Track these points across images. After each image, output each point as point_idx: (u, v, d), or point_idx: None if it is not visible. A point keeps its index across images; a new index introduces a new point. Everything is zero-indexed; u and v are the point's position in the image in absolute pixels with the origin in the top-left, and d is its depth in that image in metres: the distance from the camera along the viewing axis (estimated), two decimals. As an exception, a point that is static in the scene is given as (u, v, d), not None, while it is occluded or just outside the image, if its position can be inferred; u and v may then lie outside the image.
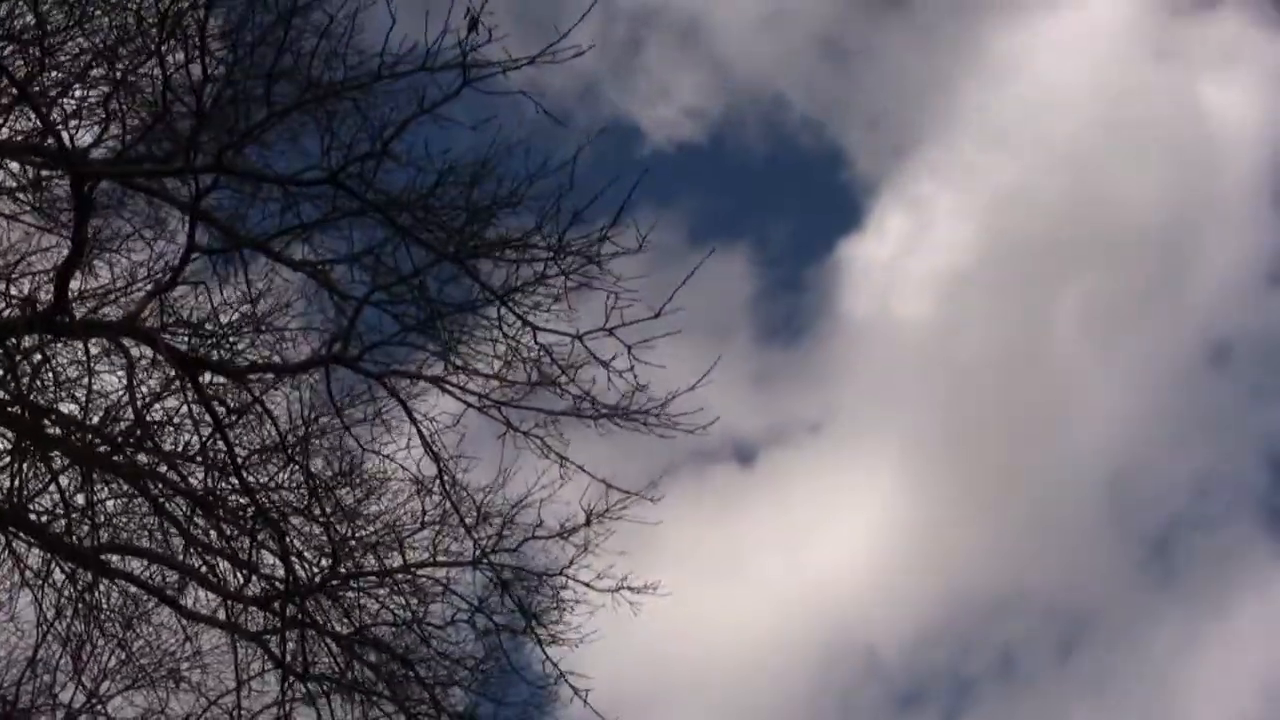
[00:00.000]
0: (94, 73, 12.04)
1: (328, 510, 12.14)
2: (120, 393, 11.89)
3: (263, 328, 11.58)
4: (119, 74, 11.72)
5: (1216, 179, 37.43)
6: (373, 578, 13.00)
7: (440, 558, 13.13)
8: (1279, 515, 34.31)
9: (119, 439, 12.10)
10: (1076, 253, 37.61)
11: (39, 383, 11.74)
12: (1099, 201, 37.30)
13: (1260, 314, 35.53)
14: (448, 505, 12.55)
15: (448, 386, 11.37)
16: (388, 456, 11.97)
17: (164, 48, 10.19)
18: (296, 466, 11.81)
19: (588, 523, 12.90)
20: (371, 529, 12.82)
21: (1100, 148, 37.79)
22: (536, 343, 10.67)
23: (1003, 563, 33.57)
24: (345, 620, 12.77)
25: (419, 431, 11.43)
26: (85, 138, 12.15)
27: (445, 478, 11.64)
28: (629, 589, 13.00)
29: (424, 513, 12.58)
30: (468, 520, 12.31)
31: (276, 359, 11.64)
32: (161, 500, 12.01)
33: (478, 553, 12.97)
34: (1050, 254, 37.37)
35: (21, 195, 12.79)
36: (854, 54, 39.00)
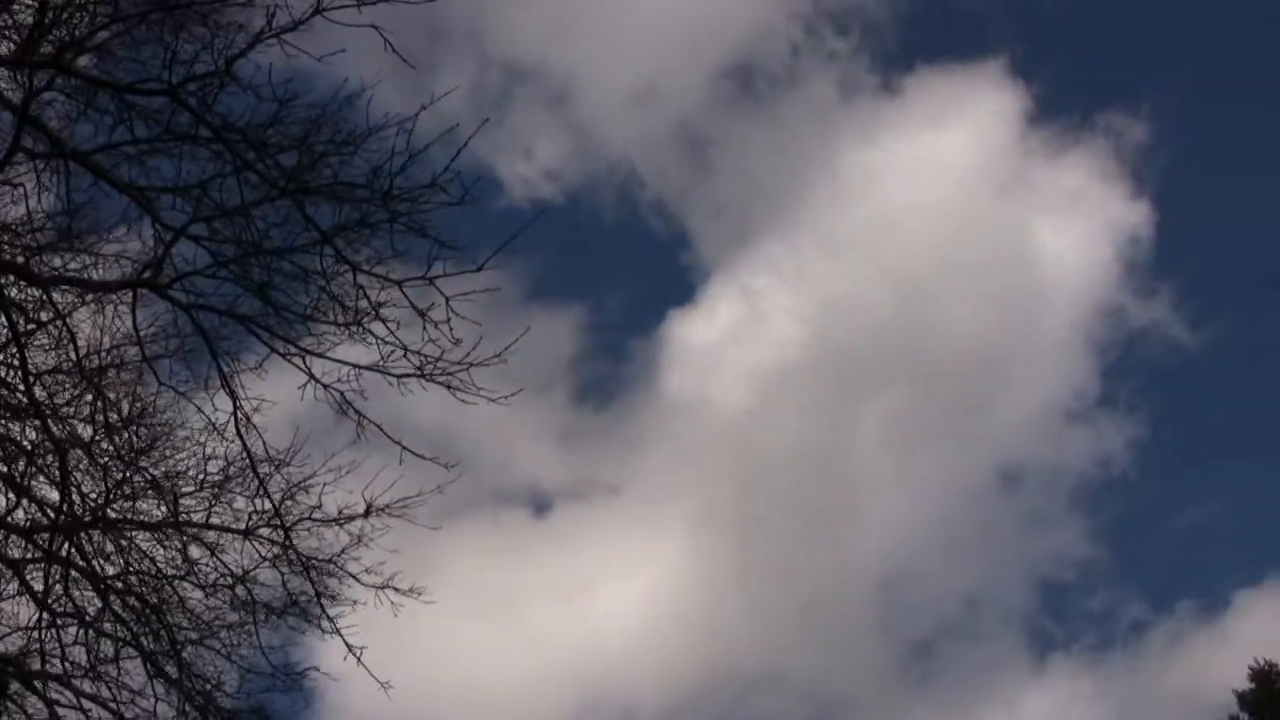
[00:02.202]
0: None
1: (116, 445, 11.90)
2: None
3: (77, 245, 11.37)
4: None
5: (1034, 317, 39.68)
6: (143, 527, 12.77)
7: (215, 519, 12.98)
8: (1039, 636, 36.15)
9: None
10: (892, 367, 39.49)
11: None
12: (921, 322, 39.22)
13: (1054, 449, 37.69)
14: (237, 466, 12.48)
15: (255, 328, 11.31)
16: (183, 394, 11.79)
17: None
18: (91, 394, 11.58)
19: (366, 514, 12.94)
20: (155, 473, 12.61)
21: (931, 272, 39.79)
22: (355, 283, 10.71)
23: (769, 643, 34.57)
24: (109, 563, 12.51)
25: (219, 369, 11.32)
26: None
27: (240, 419, 11.49)
28: (395, 589, 13.06)
29: (205, 471, 12.48)
30: (262, 471, 12.20)
31: (85, 275, 11.41)
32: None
33: (251, 522, 12.88)
34: (867, 365, 39.13)
35: None
36: (711, 143, 40.64)
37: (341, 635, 12.43)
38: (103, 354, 11.99)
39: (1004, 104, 39.31)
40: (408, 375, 11.29)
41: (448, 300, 10.59)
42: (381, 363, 11.26)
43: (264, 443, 11.81)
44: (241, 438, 11.68)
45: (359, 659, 12.33)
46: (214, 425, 11.91)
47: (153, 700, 12.79)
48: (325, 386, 11.47)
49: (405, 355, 10.93)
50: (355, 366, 11.36)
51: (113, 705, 12.62)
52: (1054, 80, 41.80)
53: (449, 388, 11.32)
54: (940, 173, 40.18)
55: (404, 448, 11.72)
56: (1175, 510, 38.76)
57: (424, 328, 10.67)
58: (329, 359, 11.37)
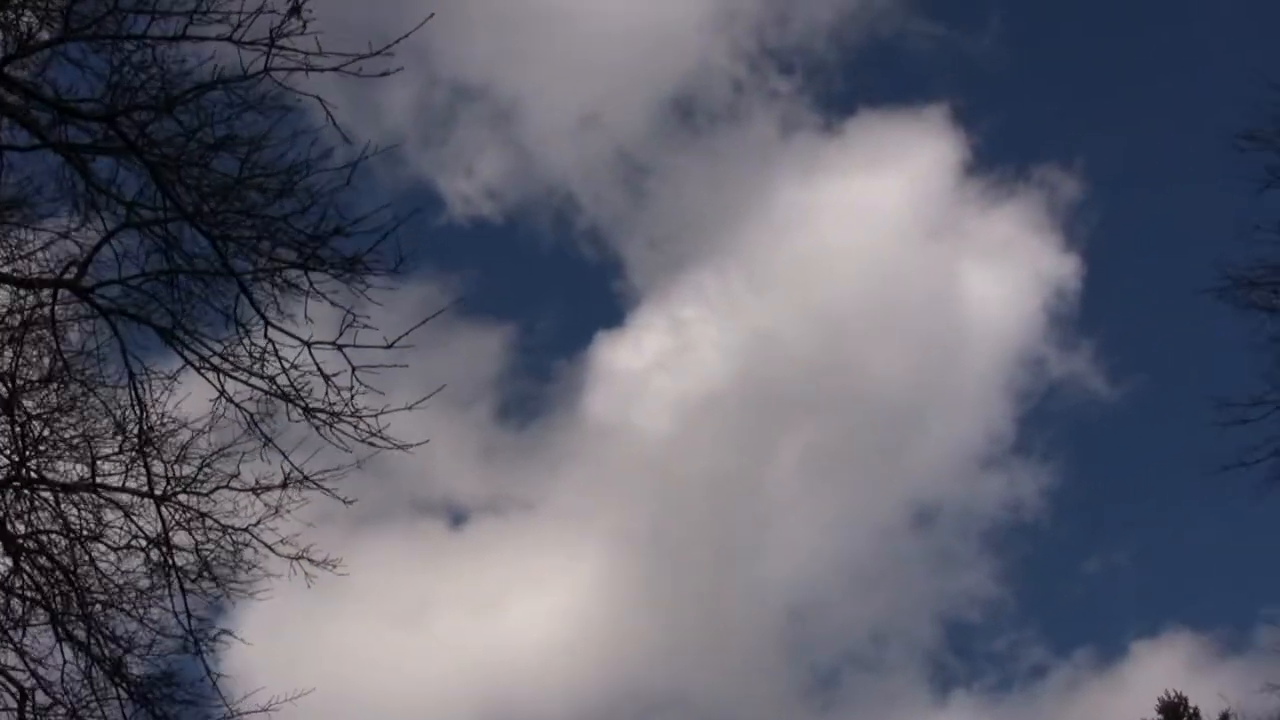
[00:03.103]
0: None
1: (34, 404, 11.99)
2: None
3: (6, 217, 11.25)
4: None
5: (957, 362, 39.74)
6: (60, 487, 12.87)
7: (131, 483, 13.07)
8: (942, 672, 36.87)
9: None
10: (814, 403, 39.76)
11: None
12: (845, 361, 39.36)
13: (967, 491, 38.02)
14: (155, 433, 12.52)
15: (172, 339, 11.25)
16: (91, 390, 11.79)
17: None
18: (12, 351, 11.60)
19: (284, 485, 13.01)
20: (69, 435, 12.69)
21: (859, 312, 39.80)
22: (266, 336, 10.63)
23: (675, 665, 35.20)
24: (21, 523, 12.65)
25: (130, 375, 11.32)
26: None
27: (145, 428, 11.52)
28: (310, 560, 13.20)
29: (124, 434, 12.51)
30: (166, 456, 12.28)
31: (10, 270, 11.35)
32: None
33: (168, 488, 12.97)
34: (789, 399, 39.42)
35: None
36: (650, 173, 40.27)
37: (228, 631, 12.68)
38: (25, 312, 11.96)
39: (942, 151, 38.97)
40: (319, 410, 11.29)
41: (354, 369, 10.53)
42: (296, 397, 11.26)
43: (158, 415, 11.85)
44: (141, 432, 11.71)
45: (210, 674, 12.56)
46: (120, 423, 11.91)
47: (60, 665, 12.99)
48: (237, 406, 11.50)
49: (305, 407, 10.88)
50: (266, 393, 11.35)
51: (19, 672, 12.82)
52: (993, 131, 41.39)
53: (355, 431, 11.33)
54: (875, 215, 40.13)
55: (306, 477, 11.86)
56: (1081, 559, 39.48)
57: (326, 391, 10.61)
58: (239, 380, 11.36)
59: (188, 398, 12.22)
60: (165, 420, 11.76)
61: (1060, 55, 43.22)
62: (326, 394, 10.73)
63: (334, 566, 13.26)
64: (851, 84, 42.16)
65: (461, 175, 38.14)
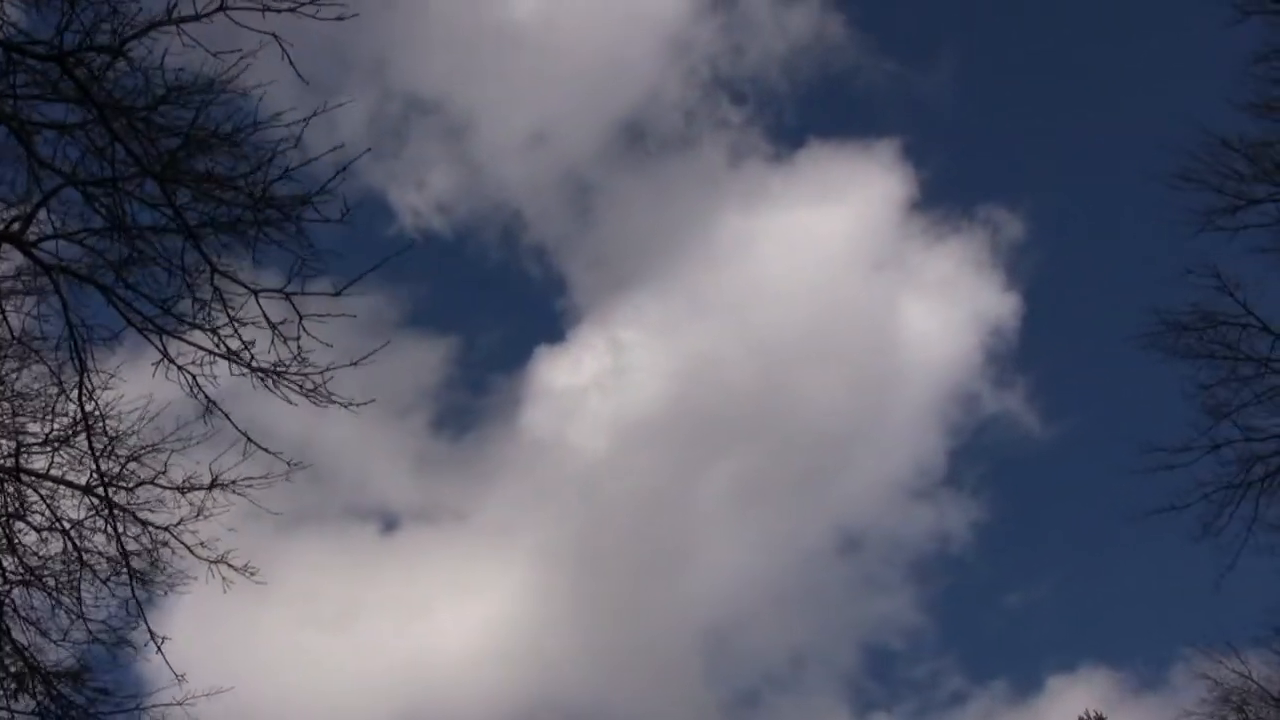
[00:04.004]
0: None
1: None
2: None
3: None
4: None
5: (892, 394, 40.48)
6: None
7: (55, 471, 12.89)
8: (862, 696, 37.08)
9: None
10: (747, 429, 40.38)
11: None
12: (781, 388, 40.05)
13: (894, 520, 38.55)
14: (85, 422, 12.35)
15: (114, 299, 11.18)
16: (35, 350, 11.65)
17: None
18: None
19: (210, 486, 12.91)
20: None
21: (797, 340, 40.60)
22: (213, 284, 10.59)
23: (596, 679, 35.28)
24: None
25: (71, 332, 11.18)
26: None
27: (86, 389, 11.38)
28: (230, 565, 13.09)
29: (53, 423, 12.37)
30: (96, 444, 12.12)
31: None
32: None
33: (91, 480, 12.79)
34: (723, 424, 40.05)
35: None
36: (597, 194, 41.29)
37: (147, 623, 12.44)
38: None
39: (890, 186, 40.05)
40: (262, 371, 11.22)
41: (300, 319, 10.50)
42: (241, 352, 11.19)
43: (101, 412, 11.69)
44: (81, 401, 11.57)
45: (158, 647, 12.34)
46: (61, 385, 11.77)
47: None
48: (180, 368, 11.40)
49: (251, 361, 10.81)
50: (211, 353, 11.27)
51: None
52: (940, 169, 42.50)
53: (301, 389, 11.27)
54: (818, 246, 41.18)
55: (249, 439, 11.73)
56: (1004, 592, 39.99)
57: (273, 341, 10.56)
58: (185, 341, 11.28)
59: (127, 385, 12.21)
60: (105, 404, 11.61)
61: (1010, 97, 44.43)
62: (273, 346, 10.65)
63: (253, 574, 13.20)
64: (802, 116, 43.11)
65: (413, 188, 38.54)
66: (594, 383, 39.84)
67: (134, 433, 12.28)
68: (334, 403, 11.32)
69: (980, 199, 44.53)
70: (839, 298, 41.28)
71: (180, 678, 12.64)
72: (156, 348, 11.28)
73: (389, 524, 38.53)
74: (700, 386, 40.59)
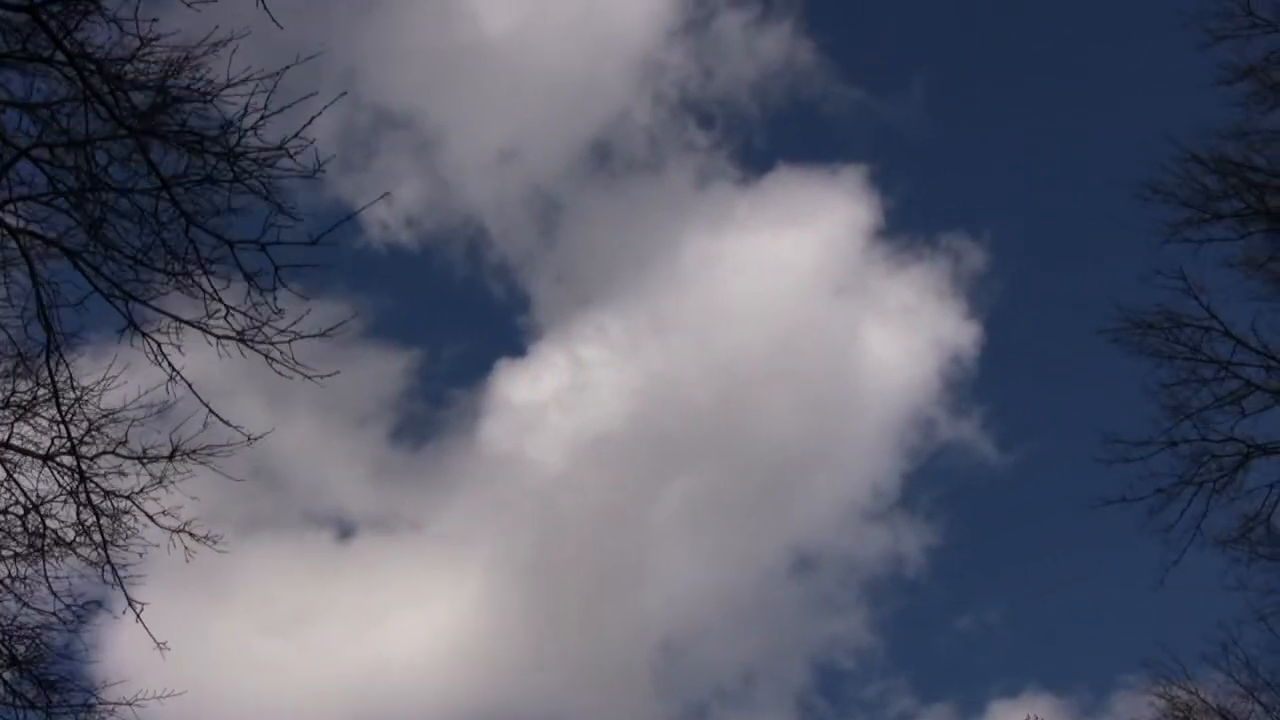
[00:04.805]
0: None
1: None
2: None
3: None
4: None
5: (850, 418, 41.11)
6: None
7: (16, 440, 12.66)
8: (811, 712, 37.20)
9: None
10: (705, 448, 40.96)
11: None
12: (740, 409, 40.71)
13: (849, 542, 38.97)
14: (47, 390, 12.17)
15: (81, 264, 11.11)
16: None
17: None
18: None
19: (171, 456, 12.75)
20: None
21: (757, 363, 41.36)
22: (188, 236, 10.56)
23: (547, 687, 35.46)
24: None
25: (38, 296, 11.08)
26: None
27: (54, 353, 11.26)
28: (191, 534, 12.91)
29: (13, 390, 12.17)
30: (65, 412, 11.94)
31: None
32: None
33: (52, 448, 12.59)
34: (682, 443, 40.62)
35: None
36: (563, 210, 42.13)
37: (124, 587, 12.22)
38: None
39: (856, 212, 40.76)
40: (228, 337, 11.17)
41: (276, 269, 10.49)
42: (204, 320, 11.15)
43: (71, 375, 11.56)
44: (50, 368, 11.44)
45: (138, 615, 12.15)
46: (21, 355, 11.63)
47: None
48: (145, 335, 11.32)
49: (227, 316, 10.77)
50: (177, 319, 11.21)
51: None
52: (906, 197, 43.28)
53: (268, 358, 11.22)
54: (782, 269, 42.02)
55: (211, 411, 11.64)
56: (954, 615, 40.36)
57: (248, 292, 10.54)
58: (151, 307, 11.23)
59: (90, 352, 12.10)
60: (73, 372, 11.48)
61: (978, 128, 44.99)
62: (248, 296, 10.62)
63: (215, 542, 13.01)
64: (771, 140, 43.65)
65: (381, 201, 38.78)
66: (554, 399, 40.23)
67: (93, 399, 12.06)
68: (299, 372, 11.31)
69: (944, 227, 45.28)
70: (801, 321, 41.93)
71: (161, 645, 12.37)
72: (122, 313, 11.23)
73: (345, 531, 38.63)
74: (660, 405, 41.03)
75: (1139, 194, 16.78)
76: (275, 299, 10.59)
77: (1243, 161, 16.47)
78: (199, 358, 11.57)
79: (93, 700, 13.15)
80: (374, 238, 38.99)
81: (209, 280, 10.66)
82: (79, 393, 11.79)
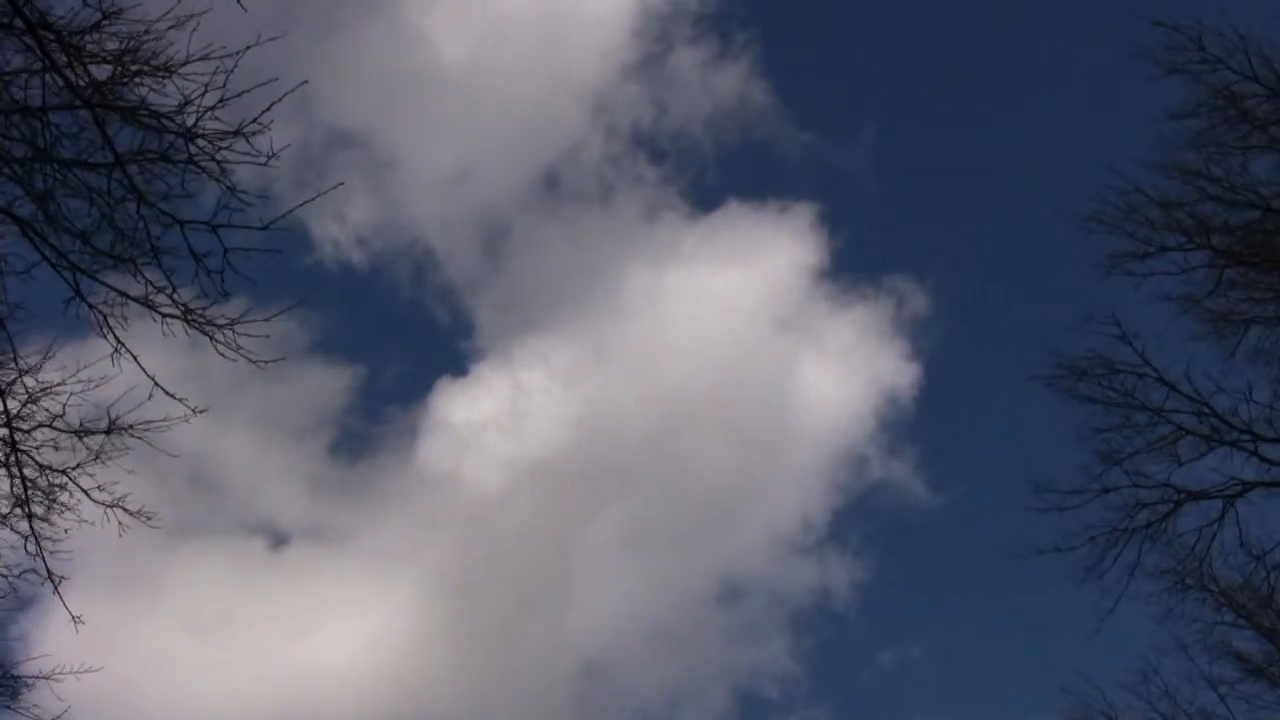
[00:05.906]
0: None
1: None
2: None
3: None
4: None
5: (784, 451, 41.60)
6: None
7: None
8: None
9: None
10: (639, 477, 41.54)
11: None
12: (676, 440, 41.39)
13: (777, 573, 39.45)
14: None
15: (30, 232, 11.02)
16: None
17: None
18: None
19: (109, 430, 12.66)
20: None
21: (696, 395, 41.94)
22: (139, 214, 10.51)
23: (471, 701, 35.91)
24: None
25: (-16, 267, 10.99)
26: None
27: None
28: (125, 509, 12.86)
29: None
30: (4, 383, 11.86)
31: None
32: None
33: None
34: (616, 472, 41.17)
35: None
36: (511, 237, 42.53)
37: (45, 560, 12.14)
38: None
39: (802, 251, 41.31)
40: (173, 316, 11.11)
41: (225, 251, 10.46)
42: (150, 296, 11.08)
43: (14, 347, 11.49)
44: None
45: (56, 587, 12.07)
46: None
47: None
48: (91, 306, 11.24)
49: (173, 295, 10.73)
50: (123, 295, 11.14)
51: None
52: (852, 238, 43.87)
53: (211, 339, 11.17)
54: (725, 304, 42.74)
55: (156, 383, 11.56)
56: (878, 649, 40.91)
57: (197, 274, 10.50)
58: (99, 280, 11.15)
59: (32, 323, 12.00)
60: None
61: (925, 176, 45.67)
62: (196, 279, 10.58)
63: (149, 519, 12.96)
64: (722, 177, 44.15)
65: (333, 219, 39.34)
66: (493, 422, 40.60)
67: (33, 371, 11.97)
68: (243, 356, 11.26)
69: (889, 270, 45.78)
70: (741, 356, 42.43)
71: (76, 619, 12.30)
72: (69, 284, 11.14)
73: (279, 540, 38.85)
74: (598, 433, 41.43)
75: (1083, 225, 16.97)
76: (223, 280, 10.56)
77: (1187, 197, 16.68)
78: (145, 361, 11.53)
79: (12, 674, 13.09)
80: (325, 255, 39.33)
81: (158, 259, 10.60)
82: (20, 365, 11.70)
